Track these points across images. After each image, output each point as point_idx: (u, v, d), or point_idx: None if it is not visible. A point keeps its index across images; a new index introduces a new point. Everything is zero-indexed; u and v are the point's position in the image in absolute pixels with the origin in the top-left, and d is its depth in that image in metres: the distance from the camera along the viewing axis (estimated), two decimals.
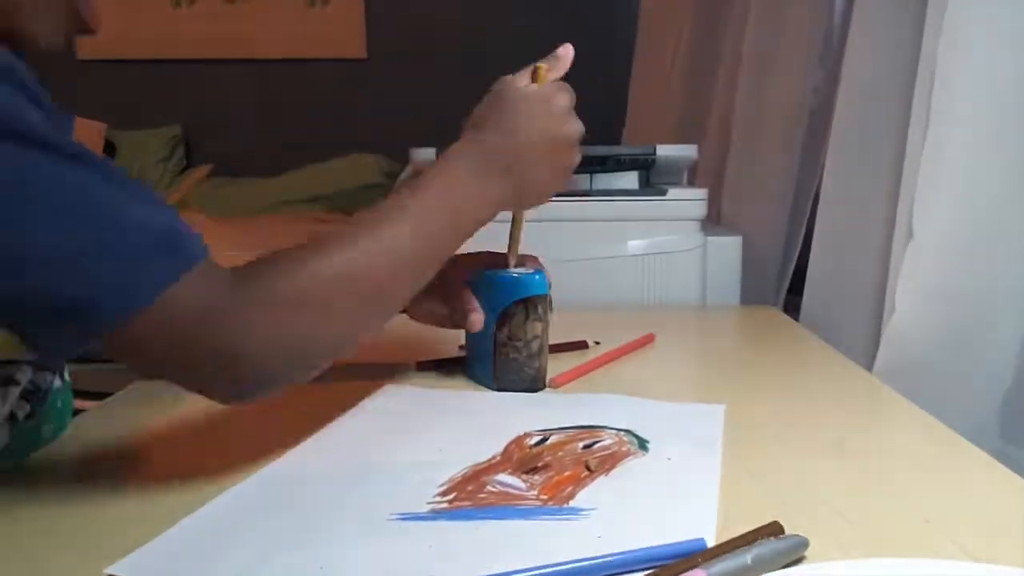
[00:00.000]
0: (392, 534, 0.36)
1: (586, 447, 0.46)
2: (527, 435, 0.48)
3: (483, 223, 0.50)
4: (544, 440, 0.47)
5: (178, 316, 0.37)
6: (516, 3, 2.33)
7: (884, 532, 0.37)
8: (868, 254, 0.72)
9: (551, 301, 0.60)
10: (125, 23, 2.37)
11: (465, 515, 0.38)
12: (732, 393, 0.60)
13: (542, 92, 0.52)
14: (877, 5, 0.72)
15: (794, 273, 0.96)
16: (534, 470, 0.42)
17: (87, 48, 2.36)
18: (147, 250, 0.36)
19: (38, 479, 0.44)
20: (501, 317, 0.57)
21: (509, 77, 0.54)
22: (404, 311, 0.58)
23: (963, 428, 0.50)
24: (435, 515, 0.38)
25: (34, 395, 0.45)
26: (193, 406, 0.57)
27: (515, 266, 0.59)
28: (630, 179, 0.89)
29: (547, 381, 0.60)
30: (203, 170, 2.37)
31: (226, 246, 2.01)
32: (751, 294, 0.94)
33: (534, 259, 0.60)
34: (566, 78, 0.56)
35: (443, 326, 0.60)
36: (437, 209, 0.47)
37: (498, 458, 0.44)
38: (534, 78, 0.53)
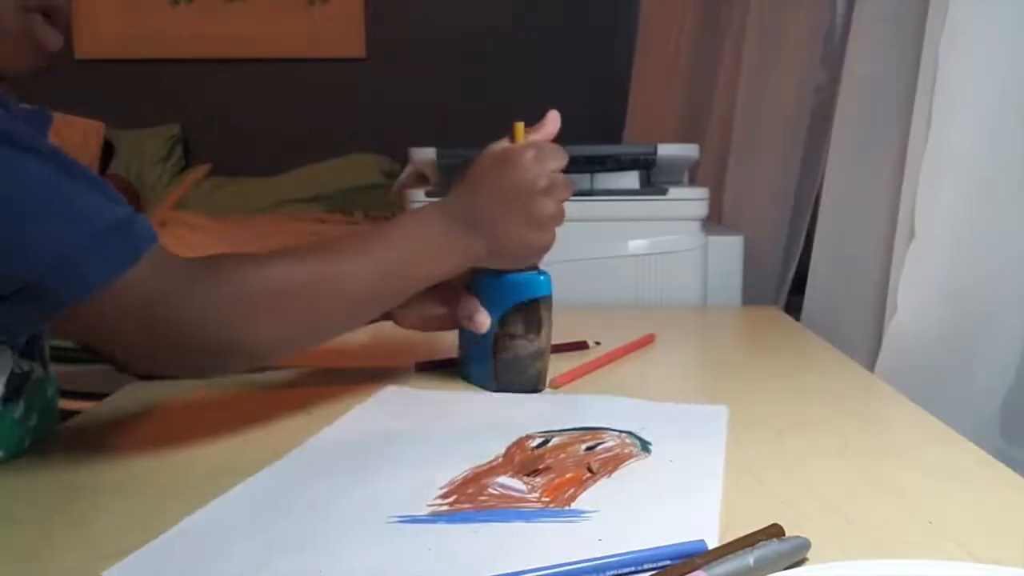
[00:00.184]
0: (391, 536, 0.36)
1: (588, 449, 0.45)
2: (529, 437, 0.48)
3: (448, 274, 0.53)
4: (546, 442, 0.47)
5: (139, 297, 0.40)
6: (516, 3, 2.33)
7: (886, 533, 0.37)
8: (870, 254, 0.72)
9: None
10: (124, 22, 2.36)
11: (465, 517, 0.37)
12: (733, 393, 0.60)
13: (511, 147, 0.54)
14: (879, 4, 0.72)
15: (795, 273, 0.96)
16: (535, 472, 0.42)
17: (85, 47, 2.36)
18: (104, 232, 0.39)
19: (37, 479, 0.44)
20: (504, 317, 0.57)
21: (495, 143, 0.56)
22: (391, 318, 0.58)
23: (965, 428, 0.50)
24: (435, 518, 0.37)
25: (11, 378, 0.45)
26: (192, 406, 0.56)
27: None
28: (631, 178, 0.89)
29: (547, 382, 0.59)
30: (202, 170, 2.36)
31: (226, 246, 2.01)
32: (752, 294, 0.93)
33: None
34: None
35: (437, 329, 0.59)
36: (400, 251, 0.50)
37: (499, 460, 0.44)
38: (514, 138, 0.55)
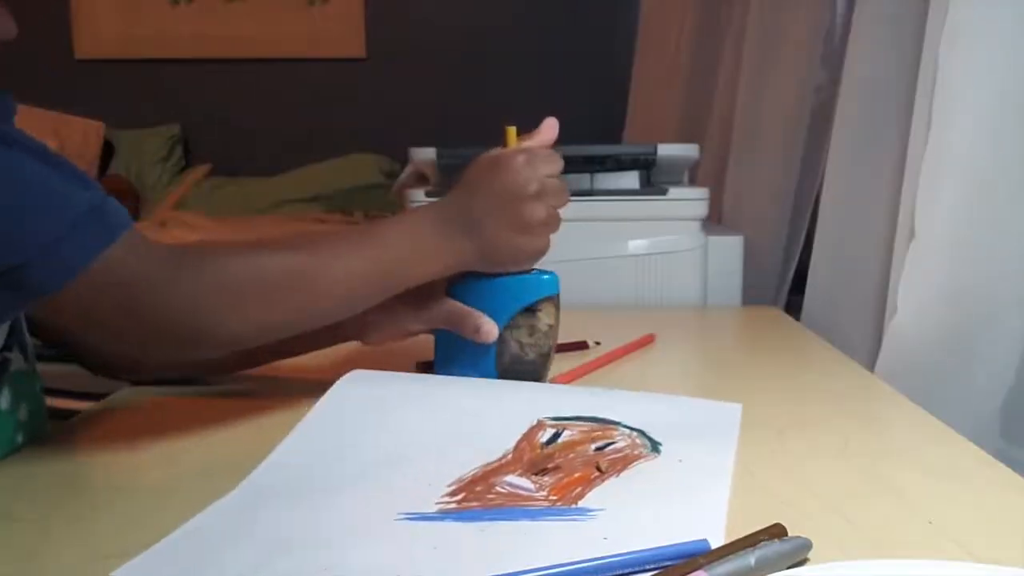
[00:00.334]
0: (398, 534, 0.36)
1: (598, 449, 0.45)
2: (540, 427, 0.47)
3: (437, 275, 0.53)
4: (558, 435, 0.46)
5: (119, 277, 0.40)
6: (516, 3, 2.33)
7: (886, 533, 0.37)
8: (870, 254, 0.72)
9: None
10: (124, 22, 2.36)
11: (473, 516, 0.37)
12: (733, 393, 0.60)
13: (502, 151, 0.54)
14: (879, 4, 0.72)
15: (795, 273, 0.96)
16: (544, 471, 0.42)
17: (85, 47, 2.36)
18: (81, 216, 0.39)
19: (36, 477, 0.44)
20: (510, 320, 0.55)
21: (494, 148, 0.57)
22: (358, 339, 0.57)
23: (965, 428, 0.50)
24: (443, 515, 0.37)
25: None
26: (190, 406, 0.56)
27: None
28: (631, 178, 0.89)
29: (550, 381, 0.59)
30: (202, 170, 2.36)
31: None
32: (752, 294, 0.93)
33: None
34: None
35: (412, 336, 0.57)
36: (392, 249, 0.50)
37: (509, 456, 0.44)
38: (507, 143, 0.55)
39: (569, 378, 0.60)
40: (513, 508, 0.38)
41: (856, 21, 0.75)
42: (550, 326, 0.56)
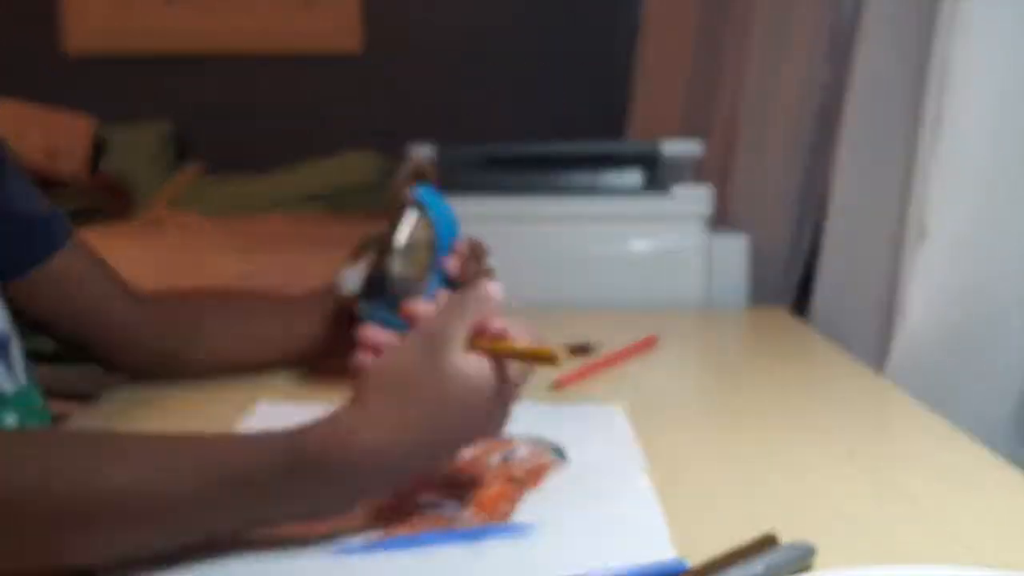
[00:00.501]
0: (342, 570, 0.34)
1: (504, 459, 0.44)
2: None
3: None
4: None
5: None
6: (516, 1, 2.31)
7: (897, 538, 0.37)
8: (879, 254, 0.71)
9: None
10: (115, 17, 2.34)
11: (406, 542, 0.36)
12: (739, 396, 0.59)
13: (453, 364, 0.37)
14: (887, 1, 0.71)
15: (803, 274, 0.94)
16: (459, 487, 0.41)
17: (75, 42, 2.33)
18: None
19: None
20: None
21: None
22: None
23: (977, 432, 0.50)
24: (372, 545, 0.35)
25: None
26: (185, 406, 0.55)
27: None
28: (633, 176, 0.87)
29: (551, 383, 0.58)
30: (195, 168, 2.34)
31: (220, 247, 1.97)
32: (758, 295, 0.92)
33: None
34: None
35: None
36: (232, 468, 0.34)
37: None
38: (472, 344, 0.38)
39: (573, 379, 0.59)
40: (446, 531, 0.37)
41: (864, 18, 0.75)
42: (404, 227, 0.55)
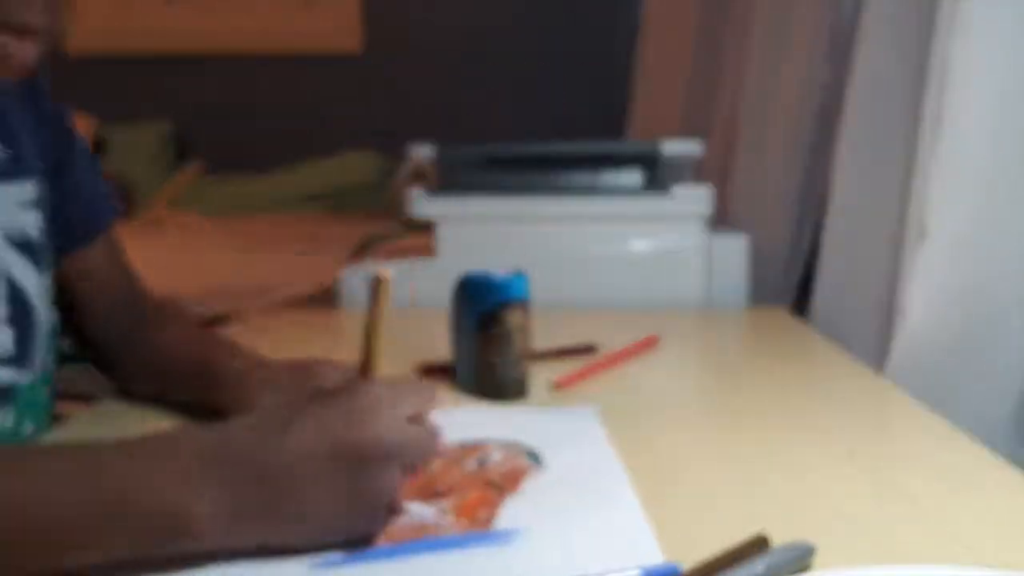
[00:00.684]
0: None
1: (480, 464, 0.44)
2: None
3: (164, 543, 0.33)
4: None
5: None
6: (516, 1, 2.31)
7: (897, 538, 0.37)
8: (880, 253, 0.71)
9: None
10: (116, 18, 2.34)
11: (387, 553, 0.35)
12: (740, 396, 0.59)
13: (351, 382, 0.40)
14: (887, 0, 0.71)
15: (803, 274, 0.94)
16: (437, 495, 0.40)
17: (77, 43, 2.33)
18: None
19: None
20: (481, 322, 0.55)
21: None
22: None
23: (977, 431, 0.50)
24: (353, 556, 0.34)
25: None
26: (184, 407, 0.55)
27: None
28: (633, 176, 0.87)
29: (551, 383, 0.58)
30: (195, 167, 2.34)
31: (220, 247, 1.97)
32: (758, 295, 0.92)
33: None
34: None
35: None
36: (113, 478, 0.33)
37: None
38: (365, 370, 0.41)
39: (572, 380, 0.59)
40: (429, 539, 0.36)
41: (864, 18, 0.74)
42: (515, 330, 0.55)
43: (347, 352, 0.56)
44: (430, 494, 0.40)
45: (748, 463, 0.46)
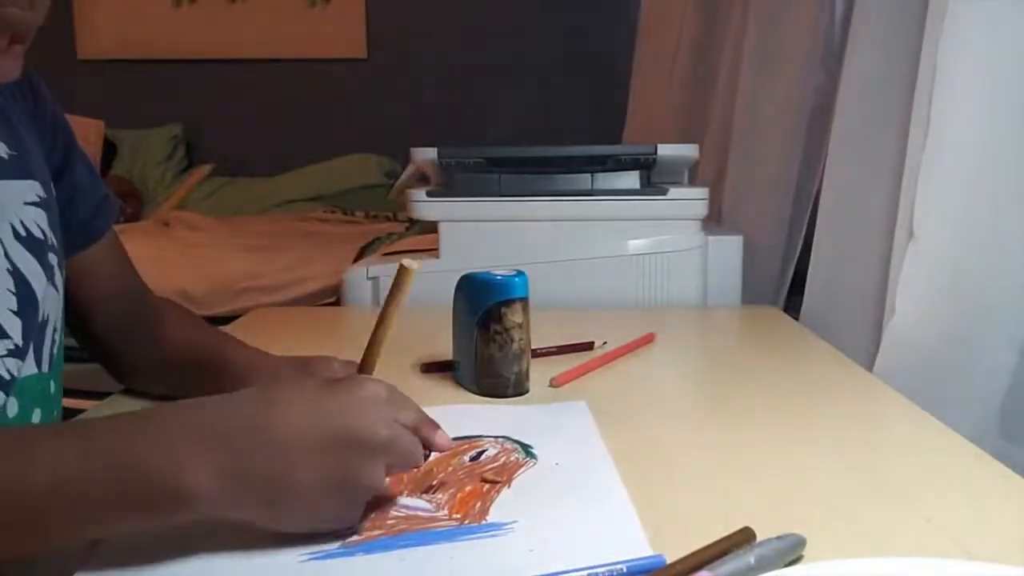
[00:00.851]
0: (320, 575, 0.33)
1: (473, 459, 0.45)
2: None
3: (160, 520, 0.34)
4: (427, 456, 0.42)
5: None
6: (516, 2, 2.33)
7: (884, 531, 0.37)
8: (869, 254, 0.72)
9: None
10: (126, 23, 2.37)
11: (383, 545, 0.35)
12: (732, 392, 0.60)
13: (354, 375, 0.43)
14: (878, 4, 0.72)
15: (795, 273, 0.96)
16: (431, 488, 0.41)
17: (87, 48, 2.36)
18: None
19: None
20: (482, 320, 0.56)
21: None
22: None
23: (963, 427, 0.51)
24: (351, 549, 0.35)
25: None
26: None
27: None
28: (631, 179, 0.89)
29: (549, 380, 0.60)
30: (204, 169, 2.37)
31: (227, 246, 1.99)
32: (752, 294, 0.93)
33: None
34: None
35: None
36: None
37: (388, 479, 0.41)
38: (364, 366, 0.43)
39: (569, 377, 0.60)
40: (423, 532, 0.37)
41: (855, 21, 0.76)
42: (517, 327, 0.56)
43: (351, 351, 0.58)
44: (425, 488, 0.41)
45: (740, 457, 0.46)
